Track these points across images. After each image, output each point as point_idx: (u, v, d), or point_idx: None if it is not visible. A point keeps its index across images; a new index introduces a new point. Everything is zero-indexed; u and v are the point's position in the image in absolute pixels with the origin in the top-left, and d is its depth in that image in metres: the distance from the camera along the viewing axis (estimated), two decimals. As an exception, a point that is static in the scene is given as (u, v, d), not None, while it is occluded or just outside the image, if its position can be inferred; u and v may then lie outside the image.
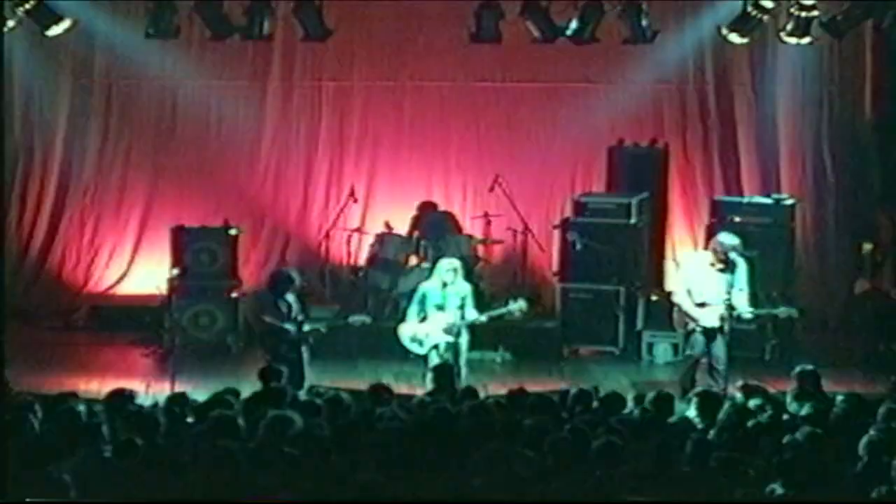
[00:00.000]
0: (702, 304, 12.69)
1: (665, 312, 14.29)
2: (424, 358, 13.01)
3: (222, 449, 8.62)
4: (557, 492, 8.33)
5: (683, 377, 13.09)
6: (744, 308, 12.73)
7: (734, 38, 15.37)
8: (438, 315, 12.88)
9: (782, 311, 13.13)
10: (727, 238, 12.87)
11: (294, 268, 13.91)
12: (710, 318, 12.65)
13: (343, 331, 13.94)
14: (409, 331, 13.04)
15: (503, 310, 13.22)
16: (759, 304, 13.31)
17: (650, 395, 10.28)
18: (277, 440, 8.79)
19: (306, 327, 12.82)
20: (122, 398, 9.98)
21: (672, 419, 9.87)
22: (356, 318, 13.19)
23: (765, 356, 14.61)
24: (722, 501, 8.31)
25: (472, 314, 12.92)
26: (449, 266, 12.99)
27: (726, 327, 12.71)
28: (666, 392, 10.47)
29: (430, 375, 12.13)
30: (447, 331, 12.86)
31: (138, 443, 8.72)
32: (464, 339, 13.05)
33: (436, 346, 12.85)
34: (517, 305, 13.13)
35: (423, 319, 12.95)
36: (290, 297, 12.93)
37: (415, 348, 13.05)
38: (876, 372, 13.70)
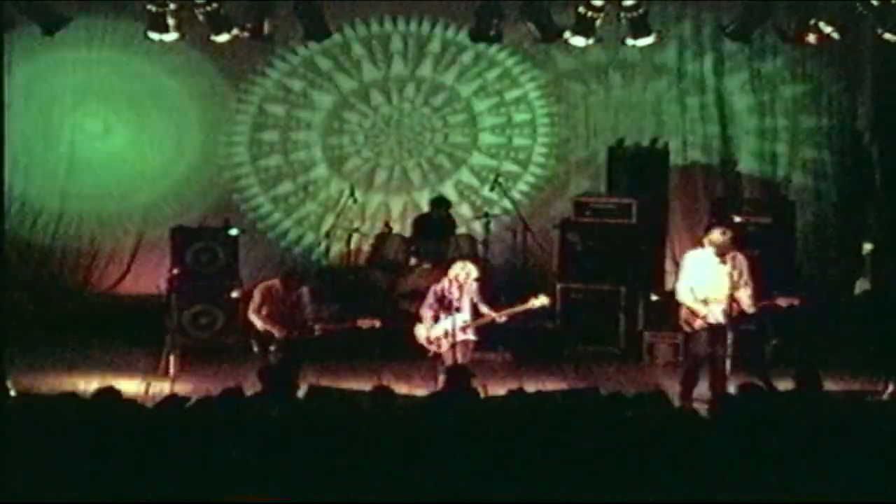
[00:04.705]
0: (705, 301, 12.66)
1: (666, 312, 14.28)
2: (438, 357, 13.01)
3: (222, 449, 8.62)
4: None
5: (686, 377, 13.05)
6: (747, 302, 12.68)
7: (734, 38, 15.38)
8: (455, 315, 12.90)
9: (784, 302, 13.03)
10: (719, 234, 12.81)
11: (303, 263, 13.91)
12: (715, 314, 12.61)
13: (344, 331, 13.92)
14: (425, 331, 13.06)
15: (524, 306, 13.19)
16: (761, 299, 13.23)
17: None
18: (275, 438, 8.79)
19: (316, 330, 12.87)
20: (109, 396, 9.92)
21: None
22: (365, 322, 13.19)
23: (765, 356, 14.60)
24: (722, 501, 8.30)
25: (489, 314, 12.95)
26: (463, 268, 13.04)
27: (730, 323, 12.66)
28: None
29: (443, 377, 12.16)
30: (464, 330, 12.90)
31: (135, 442, 8.72)
32: (471, 339, 13.09)
33: (453, 346, 12.87)
34: (539, 301, 13.12)
35: (437, 320, 12.99)
36: (304, 292, 12.97)
37: (432, 348, 13.07)
38: (876, 372, 13.68)
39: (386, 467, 8.52)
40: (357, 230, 16.44)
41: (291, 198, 17.40)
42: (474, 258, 14.46)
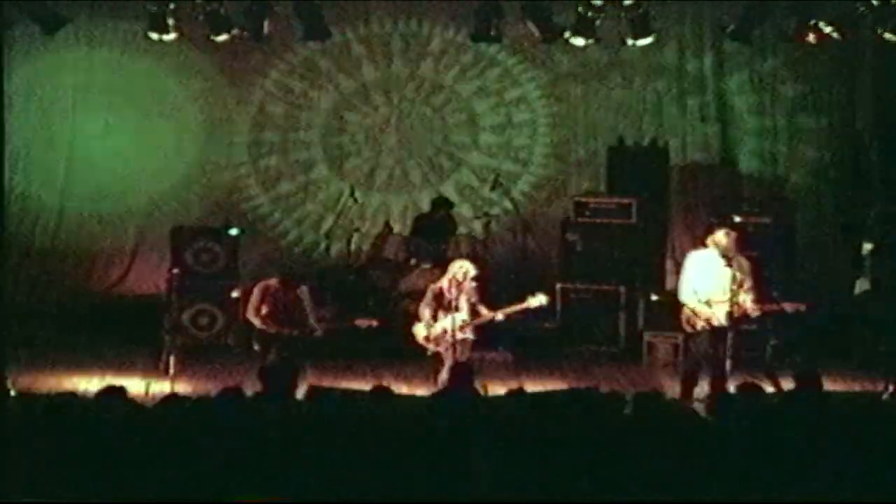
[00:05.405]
0: (708, 303, 12.64)
1: (666, 312, 14.27)
2: (438, 357, 13.01)
3: (222, 449, 8.62)
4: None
5: (686, 377, 13.04)
6: (750, 305, 12.66)
7: (734, 38, 15.38)
8: (453, 314, 12.91)
9: (790, 307, 13.02)
10: (723, 235, 12.82)
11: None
12: (717, 316, 12.60)
13: (343, 331, 13.93)
14: (424, 330, 13.07)
15: (522, 305, 13.19)
16: (764, 302, 13.22)
17: None
18: (275, 438, 8.79)
19: (317, 330, 12.87)
20: (114, 395, 9.92)
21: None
22: (363, 322, 13.19)
23: (765, 356, 14.60)
24: (722, 501, 8.30)
25: (487, 313, 12.96)
26: (461, 267, 13.05)
27: (733, 324, 12.64)
28: None
29: (446, 375, 12.19)
30: (462, 329, 12.92)
31: (134, 442, 8.72)
32: (470, 338, 13.11)
33: (453, 346, 12.88)
34: (537, 300, 13.12)
35: (436, 319, 13.00)
36: (304, 292, 12.98)
37: (431, 347, 13.08)
38: (876, 372, 13.68)
39: (386, 467, 8.51)
40: (357, 230, 16.44)
41: (291, 198, 17.40)
42: (474, 258, 14.46)
